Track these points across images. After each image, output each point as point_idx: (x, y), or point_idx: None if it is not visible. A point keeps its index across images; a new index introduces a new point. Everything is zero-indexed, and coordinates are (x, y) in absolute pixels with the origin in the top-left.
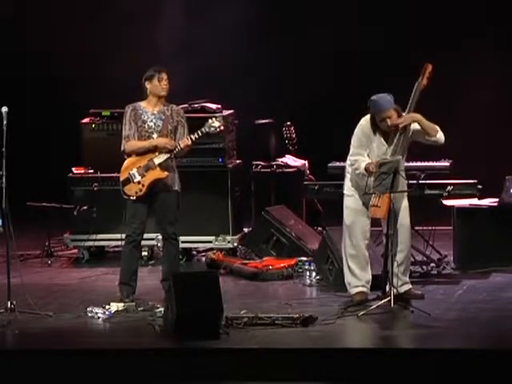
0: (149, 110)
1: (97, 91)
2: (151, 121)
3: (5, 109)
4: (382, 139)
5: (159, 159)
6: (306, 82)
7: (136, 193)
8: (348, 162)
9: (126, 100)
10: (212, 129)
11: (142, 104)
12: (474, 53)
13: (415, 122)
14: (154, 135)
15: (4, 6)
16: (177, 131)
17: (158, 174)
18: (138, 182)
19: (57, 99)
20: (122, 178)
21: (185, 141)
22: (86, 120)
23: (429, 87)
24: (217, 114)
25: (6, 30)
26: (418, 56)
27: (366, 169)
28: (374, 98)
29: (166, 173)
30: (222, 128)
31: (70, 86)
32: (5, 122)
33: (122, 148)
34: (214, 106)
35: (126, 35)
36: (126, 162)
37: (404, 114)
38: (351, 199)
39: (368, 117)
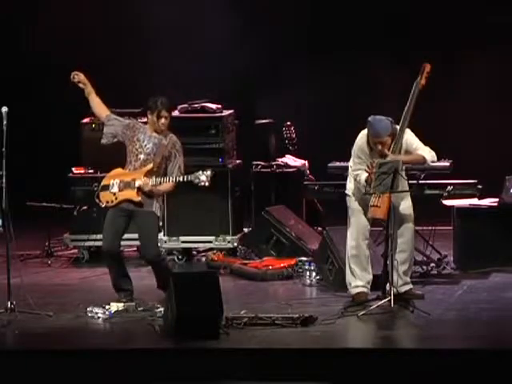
0: (148, 131)
1: (97, 91)
2: (143, 141)
3: (5, 109)
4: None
5: (141, 182)
6: (306, 82)
7: (107, 202)
8: (350, 171)
9: (126, 100)
10: (197, 180)
11: (144, 125)
12: (473, 52)
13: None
14: (141, 156)
15: (4, 6)
16: (168, 161)
17: (132, 194)
18: (114, 194)
19: (57, 99)
20: (103, 182)
21: (166, 185)
22: (86, 120)
23: (428, 87)
24: (208, 170)
25: (6, 30)
26: (418, 56)
27: (366, 181)
28: (371, 120)
29: (139, 198)
30: (206, 184)
31: (70, 86)
32: (5, 122)
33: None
34: (213, 106)
35: (127, 35)
36: (114, 170)
37: (398, 127)
38: (352, 199)
39: (365, 133)
